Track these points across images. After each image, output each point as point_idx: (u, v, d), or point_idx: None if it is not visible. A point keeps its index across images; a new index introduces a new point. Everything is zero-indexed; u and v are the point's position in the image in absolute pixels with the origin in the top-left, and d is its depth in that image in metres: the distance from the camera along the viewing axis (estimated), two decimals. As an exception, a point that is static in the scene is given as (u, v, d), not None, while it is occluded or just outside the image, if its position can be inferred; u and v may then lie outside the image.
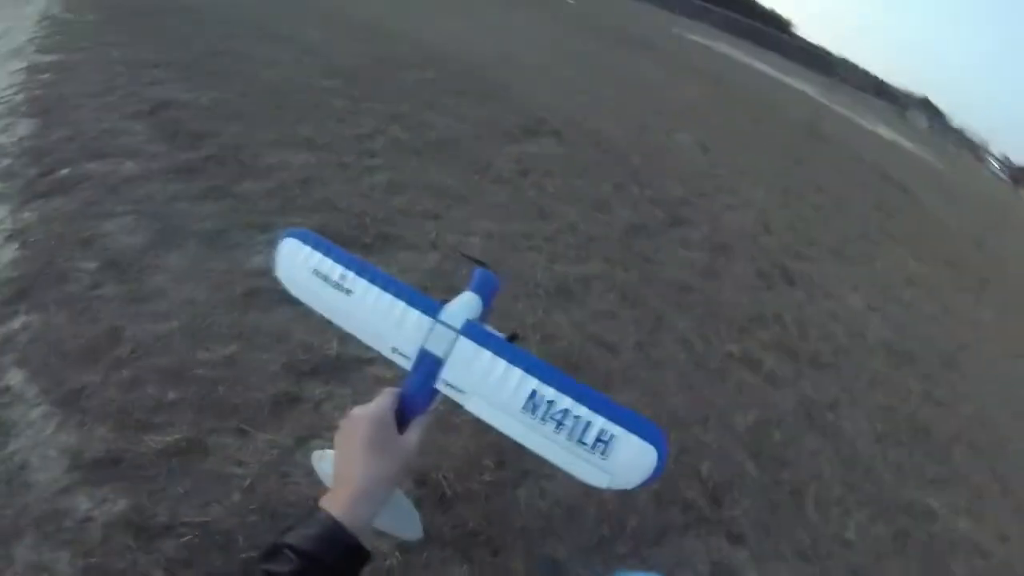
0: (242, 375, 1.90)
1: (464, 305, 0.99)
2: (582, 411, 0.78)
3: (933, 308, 5.10)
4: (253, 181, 3.07)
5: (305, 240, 0.95)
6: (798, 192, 6.27)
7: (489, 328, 0.96)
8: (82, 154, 2.93)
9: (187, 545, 1.41)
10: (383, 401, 0.81)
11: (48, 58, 4.02)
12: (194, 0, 6.14)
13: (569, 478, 0.80)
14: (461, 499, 1.71)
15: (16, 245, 2.28)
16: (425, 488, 1.70)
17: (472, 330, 0.87)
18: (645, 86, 9.00)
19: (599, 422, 0.77)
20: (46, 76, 3.73)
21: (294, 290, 0.96)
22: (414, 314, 0.88)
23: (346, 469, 0.74)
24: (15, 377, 1.73)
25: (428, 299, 0.90)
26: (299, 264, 0.94)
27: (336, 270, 0.91)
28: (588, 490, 0.81)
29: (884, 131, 17.49)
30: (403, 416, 0.82)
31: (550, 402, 0.79)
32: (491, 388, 0.82)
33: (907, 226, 7.25)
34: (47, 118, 3.22)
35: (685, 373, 2.73)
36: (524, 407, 0.80)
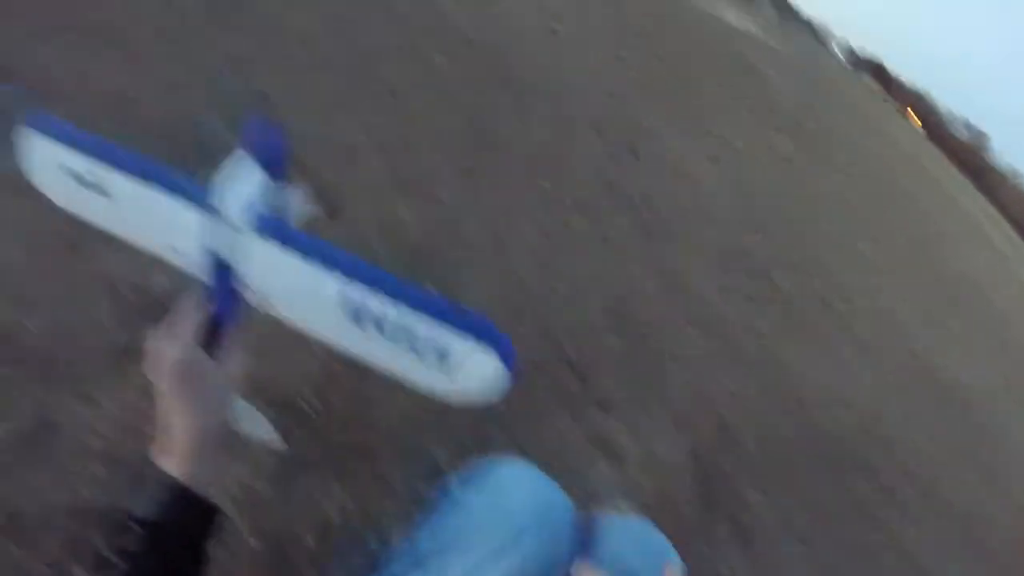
0: (76, 335, 1.51)
1: (244, 182, 0.68)
2: (407, 318, 0.63)
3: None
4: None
5: (46, 130, 0.71)
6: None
7: (293, 197, 0.72)
8: None
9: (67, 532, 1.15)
10: (184, 330, 0.66)
11: None
12: None
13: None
14: (323, 417, 1.58)
15: None
16: (284, 410, 1.53)
17: (257, 222, 0.66)
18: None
19: (430, 330, 0.63)
20: None
21: (55, 198, 0.76)
22: (180, 209, 0.67)
23: (169, 418, 0.63)
24: None
25: (195, 184, 0.68)
26: (48, 164, 0.72)
27: (85, 167, 0.70)
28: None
29: (733, 17, 17.92)
30: (215, 331, 0.68)
31: (372, 310, 0.64)
32: (294, 294, 0.68)
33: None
34: None
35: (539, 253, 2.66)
36: (339, 314, 0.65)
